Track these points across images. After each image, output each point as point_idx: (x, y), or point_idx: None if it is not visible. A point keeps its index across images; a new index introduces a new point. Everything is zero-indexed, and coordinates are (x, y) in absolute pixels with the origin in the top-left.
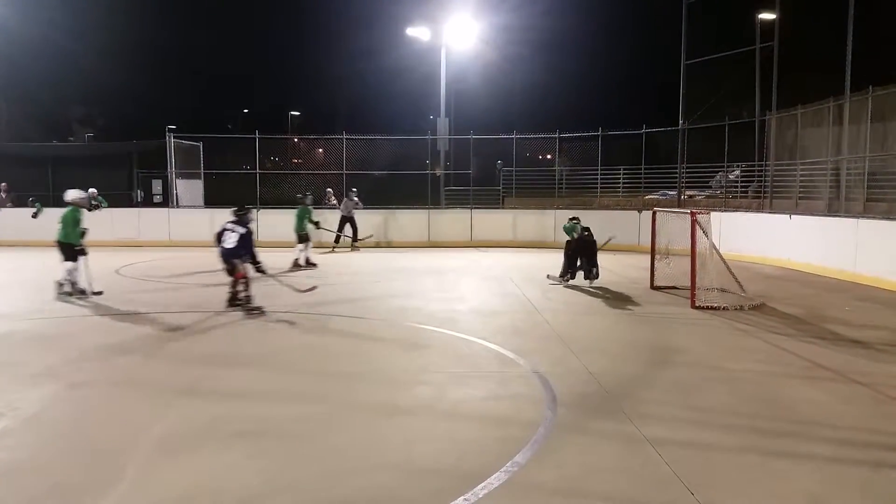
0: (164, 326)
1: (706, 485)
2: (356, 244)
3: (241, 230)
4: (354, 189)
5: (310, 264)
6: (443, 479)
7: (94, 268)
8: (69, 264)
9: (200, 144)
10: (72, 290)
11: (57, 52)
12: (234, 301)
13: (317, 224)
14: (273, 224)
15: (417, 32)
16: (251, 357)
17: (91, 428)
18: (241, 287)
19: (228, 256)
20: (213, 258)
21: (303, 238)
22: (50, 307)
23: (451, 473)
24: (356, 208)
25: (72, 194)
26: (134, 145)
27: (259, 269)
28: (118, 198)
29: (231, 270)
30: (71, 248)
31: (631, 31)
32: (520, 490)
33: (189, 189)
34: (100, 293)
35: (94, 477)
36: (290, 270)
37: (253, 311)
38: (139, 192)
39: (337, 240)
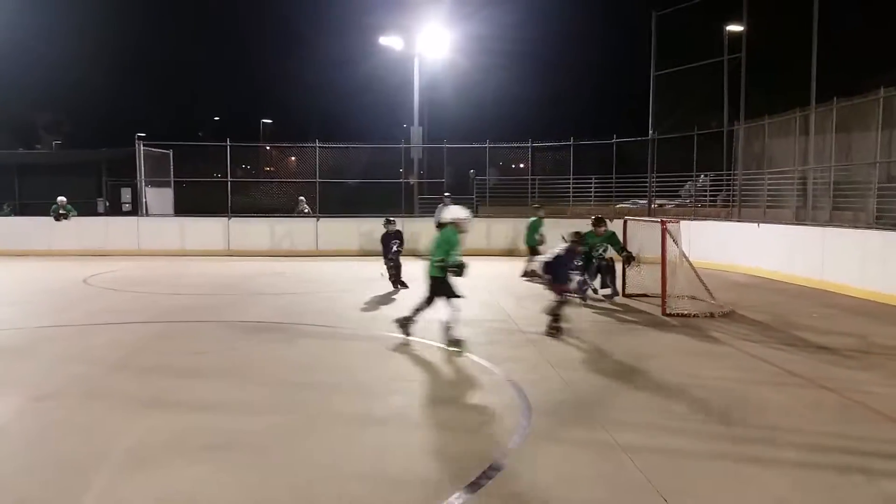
0: (132, 337)
1: (678, 491)
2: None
3: (560, 252)
4: (448, 193)
5: (535, 275)
6: (417, 489)
7: (62, 277)
8: (454, 302)
9: (171, 152)
10: (448, 337)
11: (23, 58)
12: (555, 320)
13: (541, 239)
14: (245, 233)
15: (390, 42)
16: (220, 367)
17: (56, 441)
18: (557, 304)
19: (545, 272)
20: (181, 267)
21: (534, 250)
22: (13, 318)
23: (426, 483)
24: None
25: (453, 211)
26: (103, 153)
27: (562, 291)
28: (86, 206)
29: (551, 288)
30: (440, 283)
31: (601, 43)
32: (494, 499)
33: (159, 197)
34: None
35: (59, 491)
36: (527, 279)
37: (554, 329)
38: (104, 202)
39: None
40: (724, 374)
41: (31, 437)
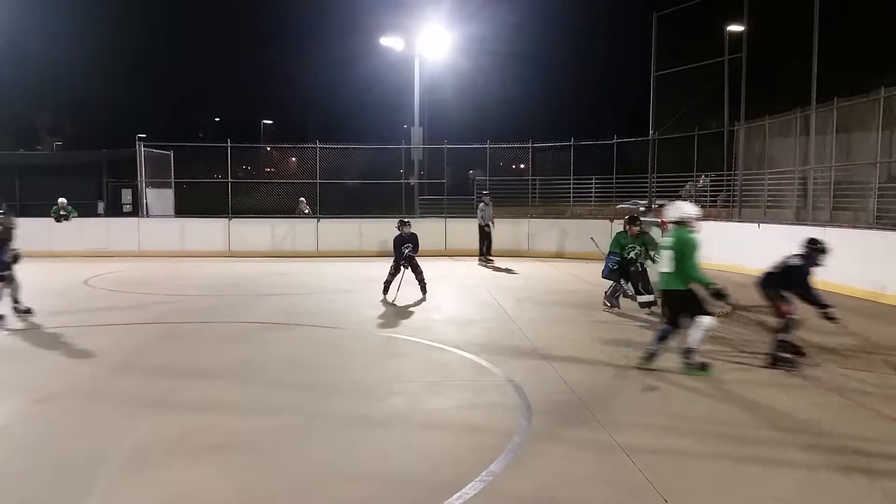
0: (133, 338)
1: (679, 491)
2: (489, 257)
3: (795, 261)
4: (486, 191)
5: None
6: (418, 490)
7: (63, 278)
8: (704, 321)
9: (171, 153)
10: (691, 361)
11: (25, 59)
12: (783, 348)
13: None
14: (245, 234)
15: (391, 42)
16: (222, 368)
17: (58, 442)
18: (785, 328)
19: (765, 286)
20: (182, 268)
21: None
22: (14, 319)
23: (427, 483)
24: (494, 217)
25: (682, 208)
26: (103, 154)
27: (828, 316)
28: (87, 207)
29: (773, 306)
30: (684, 297)
31: (602, 44)
32: (495, 499)
33: (159, 198)
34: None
35: (61, 492)
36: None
37: (782, 361)
38: (103, 203)
39: (487, 251)
40: (724, 374)
41: (34, 437)
